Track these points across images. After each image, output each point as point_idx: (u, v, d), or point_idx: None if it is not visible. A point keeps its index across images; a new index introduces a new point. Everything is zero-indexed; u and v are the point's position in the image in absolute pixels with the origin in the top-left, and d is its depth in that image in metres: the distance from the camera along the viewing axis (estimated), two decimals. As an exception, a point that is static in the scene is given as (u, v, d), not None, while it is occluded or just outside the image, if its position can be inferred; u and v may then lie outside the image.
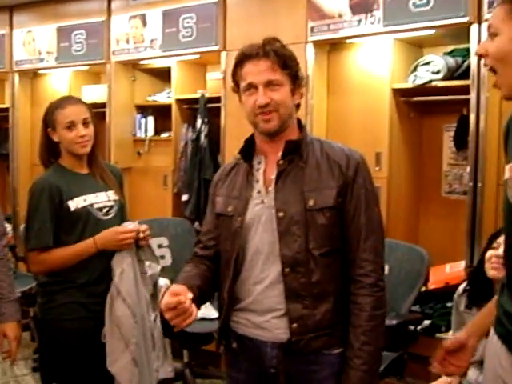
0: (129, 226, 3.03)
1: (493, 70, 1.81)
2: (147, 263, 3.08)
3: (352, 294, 2.17)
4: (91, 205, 3.00)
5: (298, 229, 2.17)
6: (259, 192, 2.27)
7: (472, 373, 2.89)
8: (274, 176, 2.25)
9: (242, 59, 2.21)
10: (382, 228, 2.26)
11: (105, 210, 3.04)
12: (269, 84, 2.17)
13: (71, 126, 2.96)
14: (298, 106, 2.30)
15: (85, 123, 2.98)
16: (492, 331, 2.02)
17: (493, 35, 1.78)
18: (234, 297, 2.27)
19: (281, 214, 2.19)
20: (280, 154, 2.24)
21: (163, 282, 4.03)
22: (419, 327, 3.93)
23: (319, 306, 2.16)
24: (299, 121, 2.33)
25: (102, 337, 2.97)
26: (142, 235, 3.02)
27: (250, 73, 2.20)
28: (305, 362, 2.19)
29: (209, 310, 4.45)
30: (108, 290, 2.95)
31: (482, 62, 1.89)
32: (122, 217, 3.12)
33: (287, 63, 2.21)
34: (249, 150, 2.32)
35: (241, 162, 2.35)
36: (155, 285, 3.15)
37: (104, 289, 2.96)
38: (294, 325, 2.16)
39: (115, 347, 2.95)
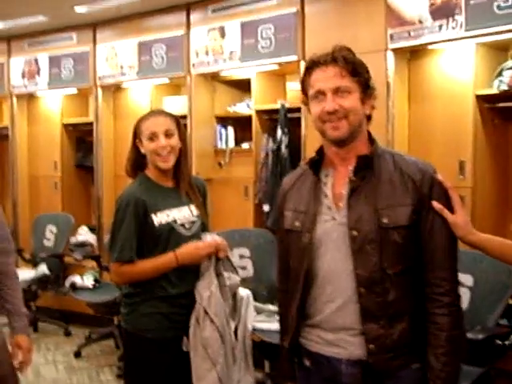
0: (207, 238, 3.05)
1: None
2: (226, 274, 3.09)
3: (429, 313, 2.12)
4: (174, 220, 3.03)
5: (372, 248, 2.10)
6: (329, 208, 2.20)
7: None
8: (345, 191, 2.17)
9: (311, 66, 2.18)
10: (457, 244, 2.19)
11: (187, 226, 3.06)
12: (337, 91, 2.12)
13: (153, 136, 3.00)
14: (368, 117, 2.24)
15: (167, 135, 3.00)
16: None
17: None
18: (304, 313, 2.23)
19: (354, 232, 2.11)
20: (351, 168, 2.17)
21: (244, 292, 4.04)
22: (507, 342, 3.80)
23: (396, 326, 2.11)
24: (370, 134, 2.27)
25: (183, 346, 3.01)
26: (219, 248, 3.04)
27: (318, 79, 2.15)
28: (382, 378, 2.14)
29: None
30: (189, 303, 2.98)
31: None
32: (203, 232, 3.13)
33: (357, 70, 2.15)
34: (318, 162, 2.25)
35: (307, 172, 2.28)
36: (235, 295, 3.16)
37: (189, 302, 2.99)
38: (372, 345, 2.10)
39: (201, 365, 2.98)
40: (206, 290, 2.97)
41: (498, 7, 3.91)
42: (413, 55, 4.61)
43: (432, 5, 4.23)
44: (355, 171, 2.16)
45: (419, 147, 4.55)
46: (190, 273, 3.00)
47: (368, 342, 2.10)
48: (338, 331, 2.16)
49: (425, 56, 4.57)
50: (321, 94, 2.14)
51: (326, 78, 2.13)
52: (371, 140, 2.25)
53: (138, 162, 3.12)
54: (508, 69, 4.19)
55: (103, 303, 5.74)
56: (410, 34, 4.34)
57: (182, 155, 3.09)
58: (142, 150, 3.05)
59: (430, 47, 4.45)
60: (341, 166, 2.21)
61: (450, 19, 4.13)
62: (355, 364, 2.13)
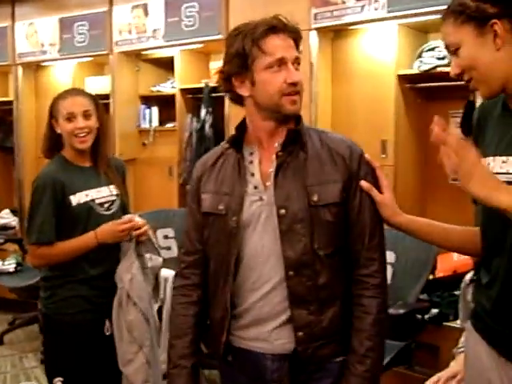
0: (134, 217, 3.03)
1: (470, 79, 1.80)
2: (148, 256, 3.07)
3: (356, 295, 2.03)
4: (93, 200, 2.98)
5: (302, 227, 1.98)
6: (256, 187, 2.05)
7: None
8: (272, 169, 2.03)
9: (266, 32, 1.97)
10: (383, 225, 2.11)
11: (106, 205, 3.03)
12: (296, 61, 2.01)
13: (71, 117, 2.93)
14: None
15: (86, 115, 2.95)
16: (470, 327, 1.99)
17: (456, 50, 1.78)
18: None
19: (282, 211, 1.99)
20: (277, 144, 2.04)
21: (168, 273, 4.03)
22: (427, 316, 3.89)
23: (326, 312, 2.01)
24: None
25: (105, 329, 2.98)
26: (139, 231, 3.00)
27: (279, 46, 1.97)
28: (308, 371, 2.04)
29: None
30: (109, 285, 2.95)
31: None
32: (123, 212, 3.10)
33: (300, 40, 2.05)
34: (239, 139, 2.10)
35: (229, 152, 2.11)
36: (157, 277, 3.14)
37: (109, 284, 2.95)
38: (300, 333, 1.99)
39: (127, 349, 2.95)
40: (127, 273, 2.94)
41: (417, -12, 3.97)
42: (336, 35, 4.64)
43: (355, -15, 4.26)
44: (283, 146, 2.03)
45: (342, 126, 4.60)
46: (109, 253, 2.97)
47: (297, 330, 1.99)
48: (265, 322, 2.02)
49: (348, 36, 4.61)
50: (280, 63, 1.97)
51: (287, 47, 1.99)
52: (297, 116, 2.10)
53: (54, 142, 3.05)
54: (428, 50, 4.27)
55: (26, 287, 5.61)
56: (333, 14, 4.37)
57: (100, 135, 3.04)
58: (58, 130, 2.99)
59: (352, 27, 4.49)
60: (267, 143, 2.07)
61: (373, 0, 4.17)
62: (281, 358, 2.02)
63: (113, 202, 3.05)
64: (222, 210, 2.06)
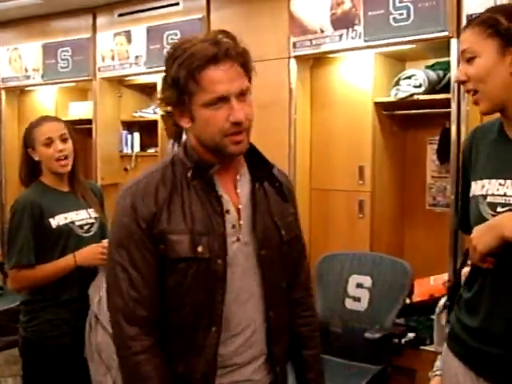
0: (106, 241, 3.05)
1: (474, 91, 1.85)
2: None
3: (299, 316, 2.06)
4: (72, 222, 3.01)
5: (278, 267, 1.91)
6: (233, 226, 1.83)
7: None
8: (242, 205, 1.86)
9: (206, 61, 1.70)
10: None
11: (86, 228, 3.06)
12: (240, 95, 1.75)
13: (49, 142, 2.98)
14: None
15: (63, 139, 3.00)
16: (446, 350, 2.03)
17: (471, 59, 1.82)
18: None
19: (263, 252, 1.86)
20: (239, 176, 1.89)
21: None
22: (403, 340, 3.94)
23: (286, 341, 2.01)
24: (252, 146, 1.92)
25: (84, 353, 2.98)
26: None
27: (219, 81, 1.71)
28: None
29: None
30: (88, 307, 2.96)
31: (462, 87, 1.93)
32: (102, 234, 3.12)
33: (248, 61, 1.79)
34: (206, 171, 1.81)
35: (185, 183, 1.81)
36: None
37: (85, 306, 2.96)
38: (277, 368, 1.95)
39: (97, 371, 2.95)
40: (96, 295, 2.95)
41: (394, 20, 4.05)
42: (315, 63, 4.70)
43: (333, 15, 4.34)
44: (254, 178, 1.90)
45: (321, 152, 4.67)
46: (88, 275, 2.98)
47: (274, 366, 1.94)
48: (246, 366, 1.89)
49: (326, 64, 4.67)
50: (222, 100, 1.72)
51: (230, 80, 1.72)
52: (250, 153, 1.91)
53: (31, 170, 3.08)
54: (405, 78, 4.35)
55: (5, 311, 5.59)
56: (311, 43, 4.44)
57: (75, 160, 3.08)
58: (36, 158, 3.03)
59: (331, 56, 4.56)
60: (226, 175, 1.86)
61: (350, 29, 4.24)
62: None
63: (92, 224, 3.08)
64: (204, 252, 1.78)
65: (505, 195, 1.81)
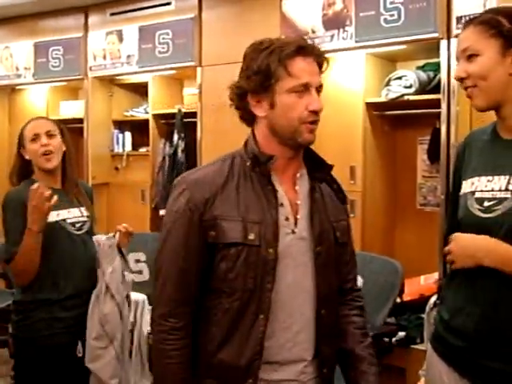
0: (102, 238, 3.06)
1: (473, 86, 1.88)
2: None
3: (346, 315, 2.04)
4: (64, 219, 3.01)
5: (332, 266, 1.93)
6: (287, 219, 1.87)
7: None
8: (300, 201, 1.90)
9: (294, 53, 1.82)
10: None
11: (78, 225, 3.06)
12: (319, 88, 1.87)
13: (35, 138, 3.00)
14: None
15: (49, 135, 3.02)
16: (430, 350, 2.05)
17: (472, 56, 1.86)
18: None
19: (319, 248, 1.88)
20: (299, 174, 1.92)
21: (140, 296, 4.05)
22: (394, 339, 3.96)
23: (336, 345, 1.99)
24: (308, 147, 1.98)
25: (77, 351, 3.00)
26: (124, 227, 3.11)
27: (305, 70, 1.82)
28: None
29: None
30: (82, 304, 2.97)
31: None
32: (93, 233, 3.14)
33: (324, 66, 1.91)
34: (266, 163, 1.87)
35: (243, 173, 1.88)
36: (128, 295, 3.17)
37: (79, 303, 2.98)
38: (325, 370, 1.92)
39: (97, 344, 2.97)
40: (109, 266, 2.98)
41: (385, 20, 4.09)
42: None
43: (324, 15, 4.37)
44: (311, 176, 1.94)
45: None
46: (81, 272, 2.99)
47: (322, 367, 1.92)
48: (292, 364, 1.87)
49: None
50: (304, 88, 1.82)
51: (313, 72, 1.84)
52: (307, 153, 1.98)
53: (23, 170, 3.09)
54: (396, 78, 4.37)
55: (-7, 311, 5.58)
56: (303, 43, 4.45)
57: (67, 159, 3.09)
58: (27, 156, 3.04)
59: (322, 56, 4.58)
60: (284, 169, 1.91)
61: (341, 30, 4.27)
62: None
63: (84, 222, 3.09)
64: (254, 240, 1.81)
65: (492, 190, 1.87)
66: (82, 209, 3.12)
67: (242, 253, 1.82)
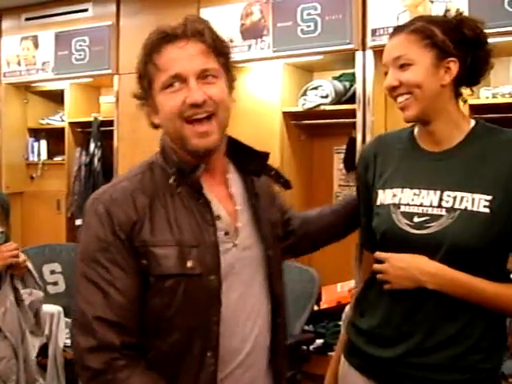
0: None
1: (407, 94, 1.84)
2: (28, 290, 3.03)
3: None
4: None
5: (280, 269, 1.77)
6: (227, 233, 1.63)
7: None
8: (239, 206, 1.68)
9: (161, 42, 1.57)
10: None
11: None
12: (203, 74, 1.56)
13: None
14: None
15: None
16: (343, 363, 2.02)
17: (405, 66, 1.82)
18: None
19: (271, 252, 1.70)
20: (231, 175, 1.72)
21: (55, 308, 3.97)
22: (312, 346, 3.99)
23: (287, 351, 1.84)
24: (232, 139, 1.77)
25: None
26: (16, 259, 2.96)
27: (174, 59, 1.56)
28: None
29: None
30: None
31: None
32: None
33: (223, 48, 1.64)
34: (191, 174, 1.60)
35: (168, 189, 1.60)
36: (37, 312, 3.10)
37: None
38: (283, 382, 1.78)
39: None
40: (1, 307, 2.90)
41: (302, 31, 4.13)
42: (225, 72, 4.71)
43: (242, 25, 4.38)
44: (244, 173, 1.74)
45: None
46: None
47: (277, 381, 1.76)
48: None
49: (236, 73, 4.69)
50: (179, 80, 1.55)
51: (187, 57, 1.55)
52: (232, 147, 1.76)
53: None
54: (312, 89, 4.42)
55: None
56: (221, 52, 4.46)
57: None
58: None
59: (240, 65, 4.58)
60: (213, 176, 1.67)
61: (259, 40, 4.30)
62: None
63: None
64: (194, 268, 1.54)
65: (421, 205, 1.81)
66: None
67: (180, 285, 1.54)
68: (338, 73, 4.57)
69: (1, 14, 5.71)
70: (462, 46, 1.81)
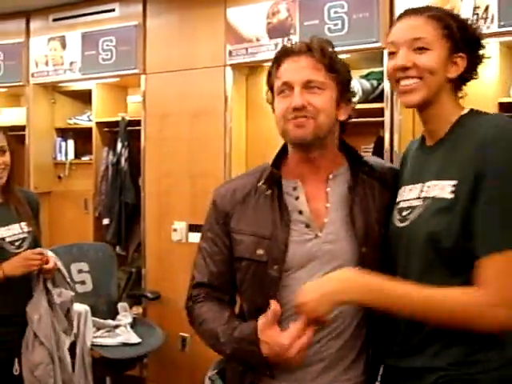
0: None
1: (418, 78, 1.82)
2: (57, 290, 3.05)
3: None
4: (3, 238, 2.94)
5: (378, 267, 1.81)
6: (308, 226, 1.86)
7: None
8: (330, 204, 1.88)
9: (282, 56, 1.88)
10: None
11: (17, 243, 2.99)
12: (308, 85, 1.82)
13: None
14: (343, 126, 1.99)
15: (1, 151, 2.92)
16: None
17: (424, 49, 1.80)
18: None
19: (364, 249, 1.84)
20: (332, 175, 1.92)
21: (82, 308, 3.99)
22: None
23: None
24: (345, 143, 2.02)
25: (13, 369, 2.93)
26: (48, 266, 2.96)
27: (287, 70, 1.85)
28: None
29: (130, 336, 4.41)
30: (20, 322, 2.91)
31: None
32: (35, 247, 3.06)
33: (335, 65, 1.86)
34: (277, 177, 1.92)
35: (262, 188, 1.92)
36: (68, 311, 3.12)
37: (21, 321, 2.91)
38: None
39: None
40: (35, 313, 2.92)
41: (329, 30, 4.11)
42: (251, 71, 4.71)
43: (269, 24, 4.37)
44: (354, 175, 1.92)
45: (257, 161, 4.60)
46: (19, 290, 2.93)
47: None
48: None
49: (262, 72, 4.67)
50: (288, 87, 1.83)
51: (297, 69, 1.83)
52: (346, 150, 2.00)
53: None
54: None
55: None
56: (247, 51, 4.46)
57: (11, 171, 3.01)
58: None
59: (266, 64, 4.58)
60: (310, 176, 1.92)
61: (286, 38, 4.27)
62: None
63: (24, 239, 3.02)
64: (262, 255, 1.85)
65: (409, 199, 1.83)
66: (23, 224, 3.04)
67: (249, 267, 1.88)
68: (365, 71, 4.53)
69: (29, 15, 5.74)
70: (469, 45, 1.83)
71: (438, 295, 1.68)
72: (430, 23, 1.81)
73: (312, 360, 1.84)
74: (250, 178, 1.99)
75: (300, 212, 1.87)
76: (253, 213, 1.91)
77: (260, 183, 1.93)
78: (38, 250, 2.97)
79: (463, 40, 1.81)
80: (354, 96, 1.99)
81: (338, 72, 1.87)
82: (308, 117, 1.81)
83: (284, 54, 1.88)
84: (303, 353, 1.71)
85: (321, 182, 1.92)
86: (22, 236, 3.01)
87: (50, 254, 3.03)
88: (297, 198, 1.89)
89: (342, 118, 1.94)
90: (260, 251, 1.85)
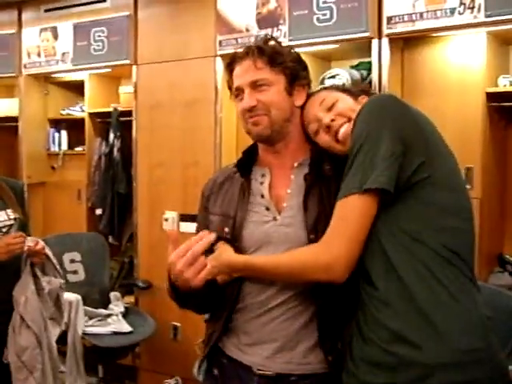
0: (29, 242, 3.01)
1: (264, 114, 2.00)
2: (47, 278, 3.06)
3: None
4: None
5: None
6: (268, 208, 2.01)
7: None
8: (290, 190, 2.00)
9: (231, 63, 2.05)
10: None
11: (4, 230, 3.01)
12: (255, 85, 1.98)
13: None
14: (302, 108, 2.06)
15: None
16: None
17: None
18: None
19: (312, 236, 1.92)
20: (296, 163, 2.03)
21: (73, 297, 4.01)
22: None
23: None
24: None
25: (3, 357, 2.95)
26: (34, 247, 2.98)
27: (236, 76, 2.02)
28: None
29: (121, 325, 4.44)
30: (9, 309, 2.92)
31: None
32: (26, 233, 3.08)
33: (276, 59, 1.99)
34: (247, 164, 2.10)
35: (236, 175, 2.11)
36: (58, 298, 3.13)
37: (7, 309, 2.93)
38: (330, 357, 1.96)
39: (16, 376, 2.93)
40: (22, 296, 2.93)
41: (318, 20, 4.11)
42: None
43: (258, 14, 4.37)
44: (310, 168, 2.00)
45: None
46: (6, 278, 2.94)
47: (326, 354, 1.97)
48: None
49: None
50: (240, 91, 2.00)
51: (242, 73, 1.99)
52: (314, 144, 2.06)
53: None
54: (330, 77, 4.40)
55: None
56: (237, 42, 4.46)
57: None
58: None
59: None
60: (277, 166, 2.06)
61: (275, 29, 4.29)
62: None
63: (11, 226, 3.04)
64: (228, 233, 2.01)
65: None
66: (9, 211, 3.06)
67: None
68: (355, 62, 4.54)
69: (21, 6, 5.74)
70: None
71: (288, 255, 1.88)
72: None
73: (266, 338, 1.97)
74: (232, 167, 2.15)
75: (262, 196, 2.02)
76: (225, 196, 2.09)
77: (231, 168, 2.14)
78: (19, 233, 2.99)
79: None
80: (307, 77, 2.09)
81: (283, 63, 2.00)
82: (260, 114, 1.98)
83: (232, 61, 2.04)
84: (200, 277, 1.79)
85: (287, 169, 2.05)
86: (8, 223, 3.04)
87: (39, 241, 3.05)
88: (261, 183, 2.04)
89: (299, 103, 2.04)
90: (226, 229, 2.01)
